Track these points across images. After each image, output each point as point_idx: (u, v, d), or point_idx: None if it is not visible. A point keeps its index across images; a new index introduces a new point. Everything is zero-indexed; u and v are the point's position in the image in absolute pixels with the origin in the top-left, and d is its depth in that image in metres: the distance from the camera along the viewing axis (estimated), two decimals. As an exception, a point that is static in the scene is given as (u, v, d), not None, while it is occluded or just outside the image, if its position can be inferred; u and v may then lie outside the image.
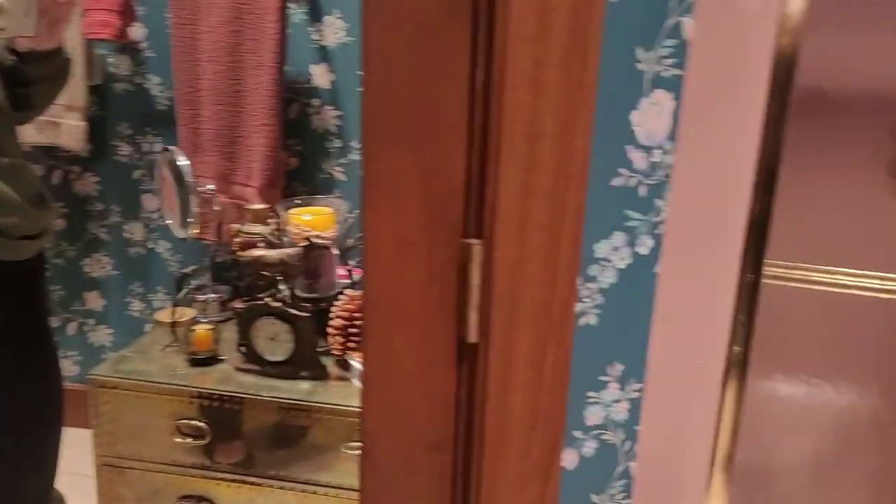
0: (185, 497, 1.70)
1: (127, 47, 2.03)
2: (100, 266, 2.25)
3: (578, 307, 1.31)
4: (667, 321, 1.23)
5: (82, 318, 2.31)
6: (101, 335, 2.31)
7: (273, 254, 1.68)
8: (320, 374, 1.71)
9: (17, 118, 1.11)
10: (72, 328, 2.32)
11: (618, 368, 1.32)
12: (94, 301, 2.29)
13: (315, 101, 1.99)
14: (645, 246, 1.26)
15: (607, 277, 1.28)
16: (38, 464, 1.11)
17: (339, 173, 2.05)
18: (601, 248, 1.27)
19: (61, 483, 2.01)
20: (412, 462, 0.64)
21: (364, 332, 0.63)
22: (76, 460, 2.05)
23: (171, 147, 1.87)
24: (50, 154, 2.14)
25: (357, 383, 1.68)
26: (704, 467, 1.28)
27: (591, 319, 1.31)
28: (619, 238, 1.26)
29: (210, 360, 1.77)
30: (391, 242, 0.59)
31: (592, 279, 1.29)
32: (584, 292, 1.30)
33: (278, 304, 1.68)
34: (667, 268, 1.23)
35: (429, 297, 0.59)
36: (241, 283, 1.93)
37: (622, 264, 1.27)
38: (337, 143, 2.02)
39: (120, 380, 1.67)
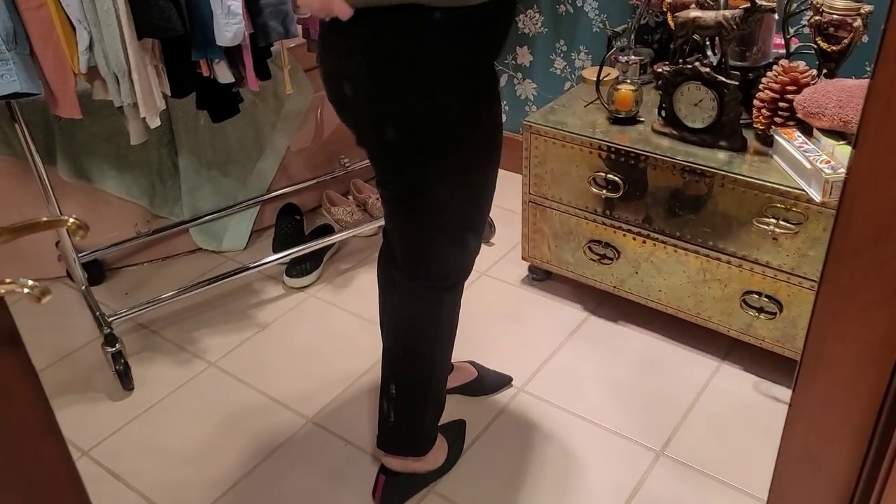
0: (593, 241, 1.89)
1: None
2: (532, 23, 2.40)
3: None
4: None
5: (512, 71, 2.53)
6: (527, 88, 2.53)
7: (710, 15, 1.61)
8: (739, 146, 1.68)
9: None
10: (502, 80, 2.57)
11: None
12: (524, 56, 2.48)
13: None
14: None
15: None
16: (490, 189, 1.32)
17: (792, -74, 1.81)
18: None
19: (494, 213, 2.38)
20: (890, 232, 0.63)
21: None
22: (507, 197, 2.40)
23: None
24: None
25: (779, 161, 1.62)
26: None
27: None
28: None
29: (629, 120, 1.84)
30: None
31: None
32: None
33: (706, 70, 1.64)
34: None
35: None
36: (669, 45, 1.91)
37: None
38: None
39: (549, 128, 1.84)
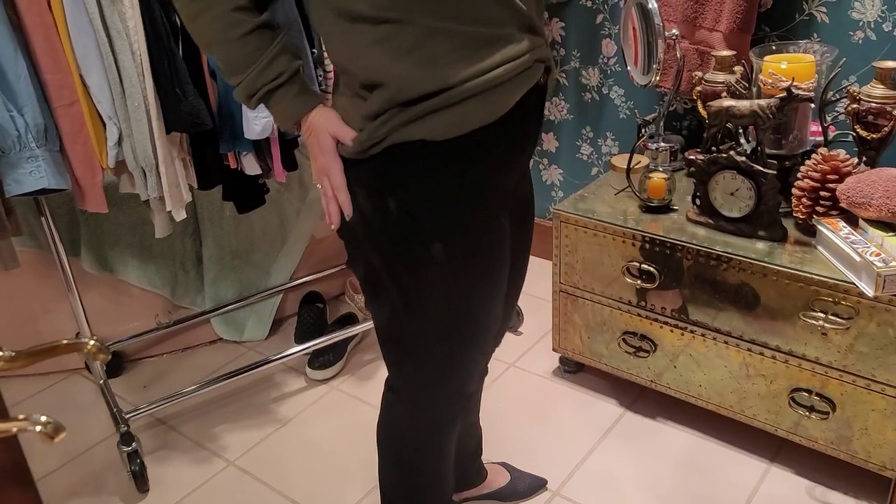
0: (628, 332, 1.82)
1: None
2: (557, 110, 2.40)
3: None
4: None
5: (538, 157, 2.52)
6: (553, 174, 2.51)
7: (744, 105, 1.58)
8: (779, 236, 1.62)
9: None
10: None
11: None
12: (550, 142, 2.47)
13: (805, -70, 1.75)
14: None
15: None
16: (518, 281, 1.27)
17: (820, 14, 1.80)
18: None
19: (522, 301, 2.31)
20: None
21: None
22: (535, 284, 2.34)
23: (640, -11, 1.84)
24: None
25: (824, 253, 1.55)
26: None
27: None
28: None
29: (662, 209, 1.80)
30: None
31: None
32: None
33: (742, 159, 1.60)
34: None
35: None
36: (699, 132, 1.89)
37: None
38: (825, -21, 1.77)
39: (579, 217, 1.80)
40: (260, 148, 1.69)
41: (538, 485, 1.67)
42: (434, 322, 1.09)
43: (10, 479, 0.59)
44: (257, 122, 1.58)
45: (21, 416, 0.54)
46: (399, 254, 1.04)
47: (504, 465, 1.69)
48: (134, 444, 1.73)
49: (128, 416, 1.76)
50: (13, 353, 0.58)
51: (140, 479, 1.72)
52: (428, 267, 1.04)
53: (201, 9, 0.96)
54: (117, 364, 2.14)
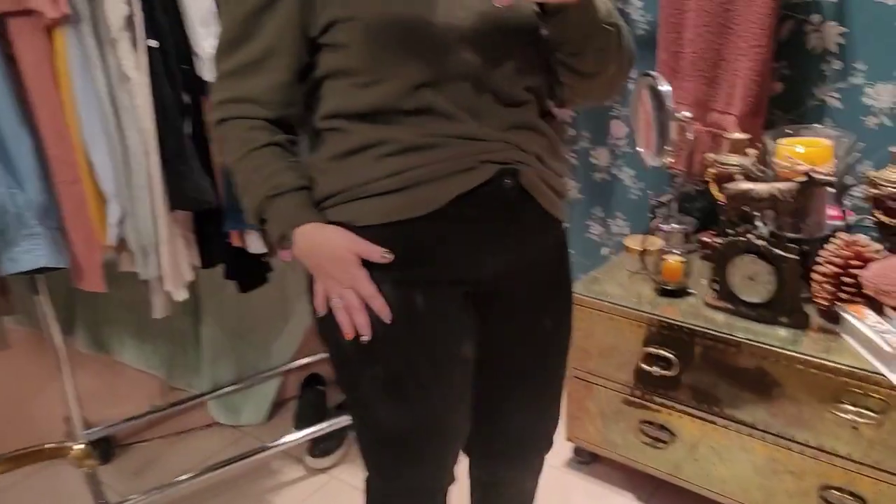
0: (645, 421, 1.74)
1: (612, -28, 2.03)
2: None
3: None
4: None
5: (545, 236, 2.48)
6: (561, 254, 2.47)
7: (762, 188, 1.55)
8: (801, 323, 1.56)
9: (572, 88, 1.06)
10: (536, 245, 2.52)
11: None
12: (558, 222, 2.44)
13: (815, 18, 1.76)
14: None
15: None
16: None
17: (833, 99, 1.80)
18: None
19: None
20: None
21: None
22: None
23: (651, 72, 1.84)
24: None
25: (851, 342, 1.49)
26: None
27: None
28: None
29: (678, 292, 1.75)
30: None
31: None
32: None
33: (762, 242, 1.56)
34: None
35: None
36: (711, 213, 1.85)
37: None
38: (835, 65, 1.76)
39: (593, 300, 1.75)
40: (265, 226, 1.65)
41: None
42: (364, 413, 1.09)
43: None
44: (264, 200, 1.54)
45: None
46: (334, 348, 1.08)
47: None
48: (121, 540, 1.62)
49: (116, 506, 1.65)
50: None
51: (125, 579, 1.60)
52: (353, 366, 1.05)
53: (225, 130, 1.01)
54: (107, 449, 2.04)
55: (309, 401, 2.16)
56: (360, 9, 0.93)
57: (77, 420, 1.67)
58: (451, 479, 1.18)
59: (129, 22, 1.34)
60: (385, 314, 0.98)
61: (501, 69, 0.98)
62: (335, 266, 0.97)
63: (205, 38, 1.40)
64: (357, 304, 0.98)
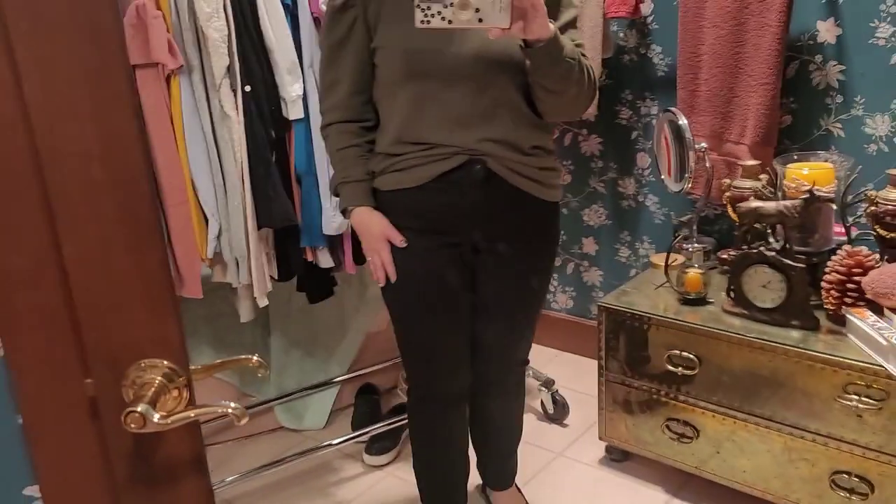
0: (671, 419, 1.92)
1: (636, 22, 2.29)
2: (596, 216, 2.60)
3: None
4: None
5: (578, 259, 2.70)
6: (593, 275, 2.68)
7: (771, 205, 1.76)
8: (811, 325, 1.75)
9: (543, 102, 1.40)
10: (570, 268, 2.73)
11: None
12: (589, 246, 2.65)
13: (818, 58, 1.98)
14: None
15: None
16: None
17: (837, 129, 2.01)
18: None
19: (567, 395, 2.42)
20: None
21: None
22: (580, 381, 2.47)
23: (671, 108, 2.08)
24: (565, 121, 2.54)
25: (854, 340, 1.67)
26: None
27: None
28: None
29: (699, 301, 1.94)
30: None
31: None
32: None
33: (772, 253, 1.76)
34: None
35: None
36: (729, 234, 2.05)
37: None
38: (838, 99, 1.98)
39: (622, 309, 1.95)
40: (333, 244, 1.90)
41: None
42: (395, 327, 1.57)
43: (191, 470, 0.73)
44: (334, 220, 1.79)
45: (211, 405, 0.70)
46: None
47: None
48: (206, 519, 1.84)
49: (201, 491, 1.87)
50: (198, 367, 0.75)
51: (211, 553, 1.81)
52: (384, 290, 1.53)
53: (328, 132, 1.49)
54: (186, 448, 2.27)
55: (364, 407, 2.38)
56: (389, 41, 1.39)
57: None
58: (462, 389, 1.64)
59: (230, 70, 1.62)
60: (393, 277, 1.47)
61: (490, 89, 1.37)
62: (371, 239, 1.47)
63: (290, 84, 1.68)
64: (379, 263, 1.47)
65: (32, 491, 0.70)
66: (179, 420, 0.69)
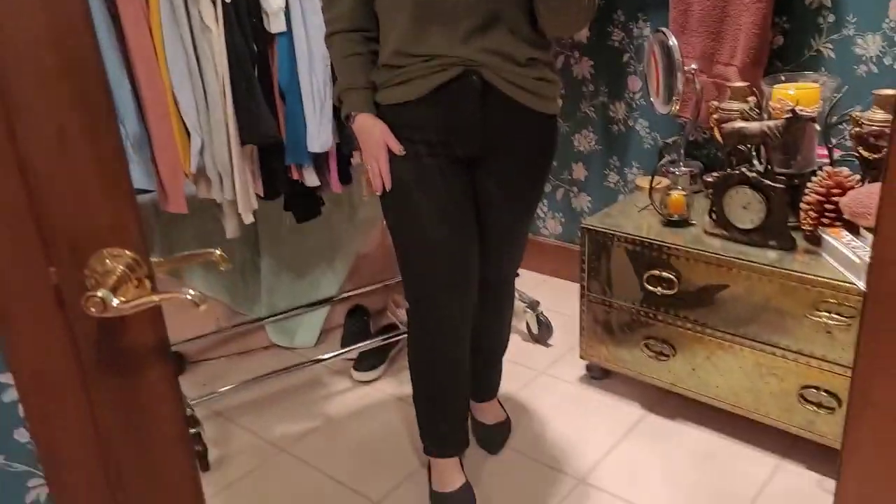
0: (650, 337, 1.97)
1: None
2: (586, 141, 2.59)
3: None
4: None
5: (567, 185, 2.71)
6: (582, 201, 2.69)
7: (754, 125, 1.76)
8: (788, 246, 1.77)
9: (544, 18, 1.40)
10: (559, 194, 2.74)
11: None
12: (579, 172, 2.66)
13: (814, -25, 1.94)
14: None
15: None
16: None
17: (827, 50, 1.99)
18: None
19: (552, 317, 2.46)
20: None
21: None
22: (564, 303, 2.51)
23: (662, 28, 2.05)
24: (557, 41, 2.50)
25: (828, 258, 1.70)
26: None
27: None
28: None
29: (681, 223, 1.96)
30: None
31: None
32: None
33: (754, 175, 1.77)
34: None
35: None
36: (716, 159, 2.05)
37: None
38: (830, 18, 1.95)
39: (605, 230, 1.97)
40: (319, 162, 1.90)
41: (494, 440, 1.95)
42: (395, 241, 1.57)
43: (155, 357, 0.77)
44: (319, 137, 1.80)
45: (171, 291, 0.73)
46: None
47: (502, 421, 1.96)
48: (198, 428, 1.91)
49: (192, 402, 1.94)
50: (161, 260, 0.78)
51: (202, 459, 1.89)
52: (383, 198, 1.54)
53: (332, 41, 1.51)
54: (179, 364, 2.34)
55: (354, 327, 2.43)
56: None
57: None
58: (465, 307, 1.60)
59: (209, -19, 1.60)
60: (388, 185, 1.49)
61: (490, 2, 1.36)
62: (372, 145, 1.48)
63: (271, -5, 1.65)
64: (377, 171, 1.50)
65: (5, 378, 0.74)
66: (139, 305, 0.72)
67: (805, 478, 1.76)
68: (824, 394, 1.70)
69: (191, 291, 0.73)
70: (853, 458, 0.86)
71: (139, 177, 1.64)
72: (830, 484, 1.73)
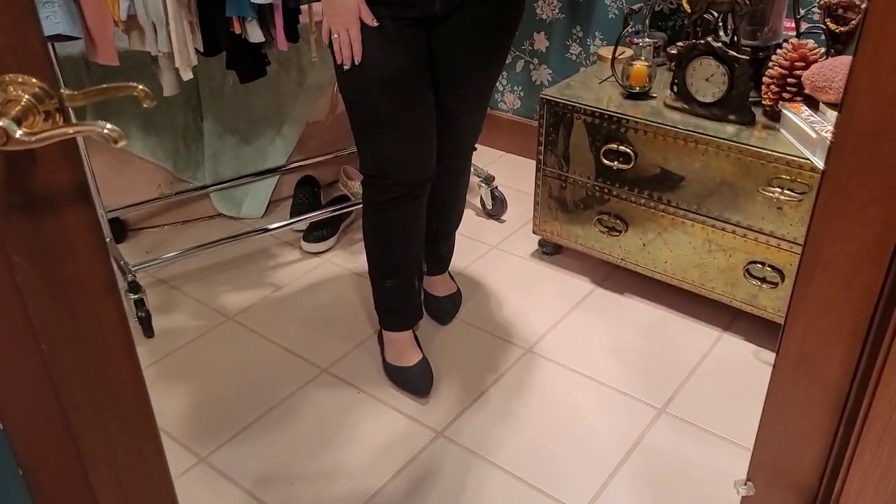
0: (603, 213, 1.95)
1: None
2: (549, 8, 2.47)
3: None
4: None
5: (528, 57, 2.61)
6: (542, 74, 2.60)
7: (724, -8, 1.68)
8: (747, 120, 1.74)
9: None
10: (519, 66, 2.64)
11: None
12: (540, 42, 2.55)
13: None
14: None
15: None
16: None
17: (805, -85, 1.88)
18: None
19: (506, 192, 2.43)
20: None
21: None
22: (520, 179, 2.47)
23: None
24: None
25: (785, 134, 1.68)
26: None
27: None
28: None
29: (643, 96, 1.91)
30: None
31: None
32: None
33: (719, 45, 1.71)
34: None
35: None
36: (682, 30, 1.97)
37: None
38: None
39: (564, 102, 1.91)
40: (263, 16, 1.77)
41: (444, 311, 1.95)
42: (349, 112, 1.49)
43: (74, 198, 0.71)
44: (263, -13, 1.66)
45: (87, 124, 0.66)
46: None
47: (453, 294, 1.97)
48: (140, 294, 1.86)
49: (134, 268, 1.88)
50: (74, 92, 0.70)
51: (146, 325, 1.86)
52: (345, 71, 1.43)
53: None
54: (121, 231, 2.26)
55: (303, 198, 2.36)
56: None
57: (95, 198, 1.87)
58: (423, 177, 1.56)
59: None
60: (358, 57, 1.39)
61: None
62: (346, 12, 1.36)
63: None
64: (347, 41, 1.38)
65: None
66: (49, 138, 0.64)
67: (744, 348, 1.82)
68: (769, 269, 1.72)
69: (107, 125, 0.66)
70: (798, 316, 0.86)
71: (63, 21, 1.50)
72: (767, 355, 1.79)
